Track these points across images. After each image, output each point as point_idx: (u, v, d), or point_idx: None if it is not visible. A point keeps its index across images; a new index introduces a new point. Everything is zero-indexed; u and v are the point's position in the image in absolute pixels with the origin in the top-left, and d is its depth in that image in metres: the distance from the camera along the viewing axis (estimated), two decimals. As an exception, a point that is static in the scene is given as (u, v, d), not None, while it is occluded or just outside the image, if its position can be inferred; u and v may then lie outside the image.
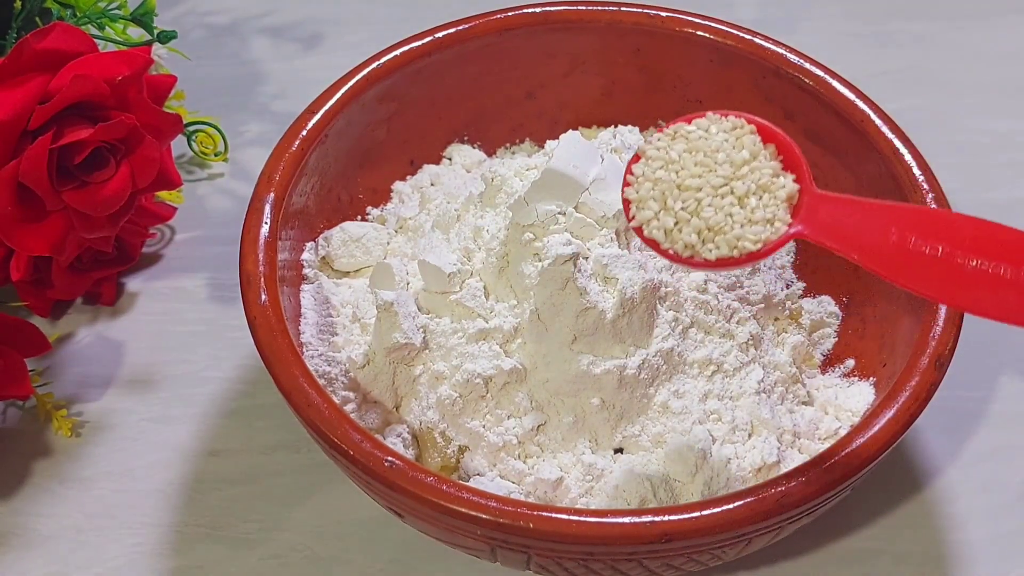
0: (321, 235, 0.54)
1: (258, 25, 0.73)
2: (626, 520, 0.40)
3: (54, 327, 0.58)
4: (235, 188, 0.65)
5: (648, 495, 0.46)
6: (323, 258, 0.53)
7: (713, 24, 0.55)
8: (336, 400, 0.45)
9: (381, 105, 0.55)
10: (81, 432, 0.55)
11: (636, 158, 0.40)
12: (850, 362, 0.52)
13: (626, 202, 0.40)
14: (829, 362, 0.53)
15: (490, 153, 0.59)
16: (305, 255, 0.52)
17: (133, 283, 0.60)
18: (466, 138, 0.59)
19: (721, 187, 0.39)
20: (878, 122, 0.52)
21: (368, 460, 0.42)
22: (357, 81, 0.53)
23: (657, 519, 0.40)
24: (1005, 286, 0.36)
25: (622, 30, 0.56)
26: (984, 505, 0.53)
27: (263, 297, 0.46)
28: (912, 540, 0.52)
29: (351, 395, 0.48)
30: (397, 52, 0.54)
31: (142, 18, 0.58)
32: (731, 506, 0.41)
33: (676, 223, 0.39)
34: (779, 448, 0.47)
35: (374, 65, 0.54)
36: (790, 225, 0.39)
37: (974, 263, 0.37)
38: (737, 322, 0.49)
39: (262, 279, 0.46)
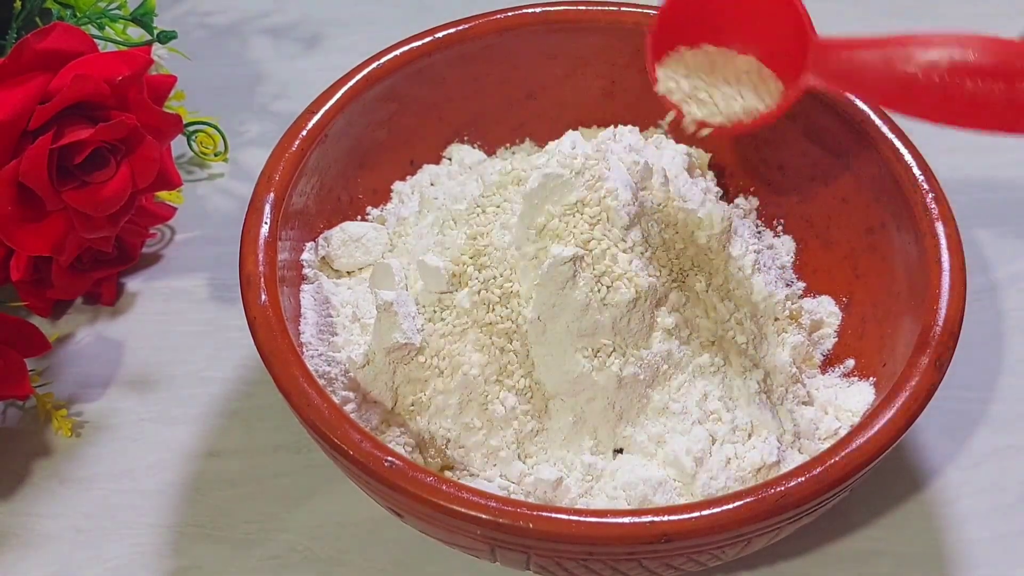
0: (321, 235, 0.54)
1: (258, 25, 0.73)
2: (626, 520, 0.40)
3: (54, 327, 0.58)
4: (235, 188, 0.65)
5: (648, 495, 0.46)
6: (323, 258, 0.53)
7: (713, 24, 0.55)
8: (336, 400, 0.45)
9: (381, 105, 0.55)
10: (81, 432, 0.55)
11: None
12: (850, 362, 0.52)
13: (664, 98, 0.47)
14: (829, 362, 0.53)
15: (490, 153, 0.59)
16: (305, 255, 0.52)
17: (133, 283, 0.60)
18: (466, 138, 0.59)
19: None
20: (878, 122, 0.52)
21: (368, 460, 0.42)
22: (357, 81, 0.53)
23: (657, 519, 0.40)
24: (1001, 103, 0.40)
25: (622, 30, 0.56)
26: (984, 505, 0.53)
27: (263, 297, 0.46)
28: (912, 540, 0.52)
29: (351, 395, 0.48)
30: (397, 52, 0.54)
31: (142, 18, 0.58)
32: (731, 506, 0.41)
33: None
34: (779, 448, 0.47)
35: (374, 65, 0.54)
36: (798, 81, 0.43)
37: (977, 84, 0.41)
38: (737, 322, 0.49)
39: (262, 279, 0.46)
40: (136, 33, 0.60)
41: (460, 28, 0.55)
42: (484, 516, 0.40)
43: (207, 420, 0.55)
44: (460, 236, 0.49)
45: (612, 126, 0.58)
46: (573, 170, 0.47)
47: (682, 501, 0.46)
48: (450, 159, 0.58)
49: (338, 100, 0.53)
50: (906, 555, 0.51)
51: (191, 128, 0.63)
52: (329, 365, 0.48)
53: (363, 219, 0.56)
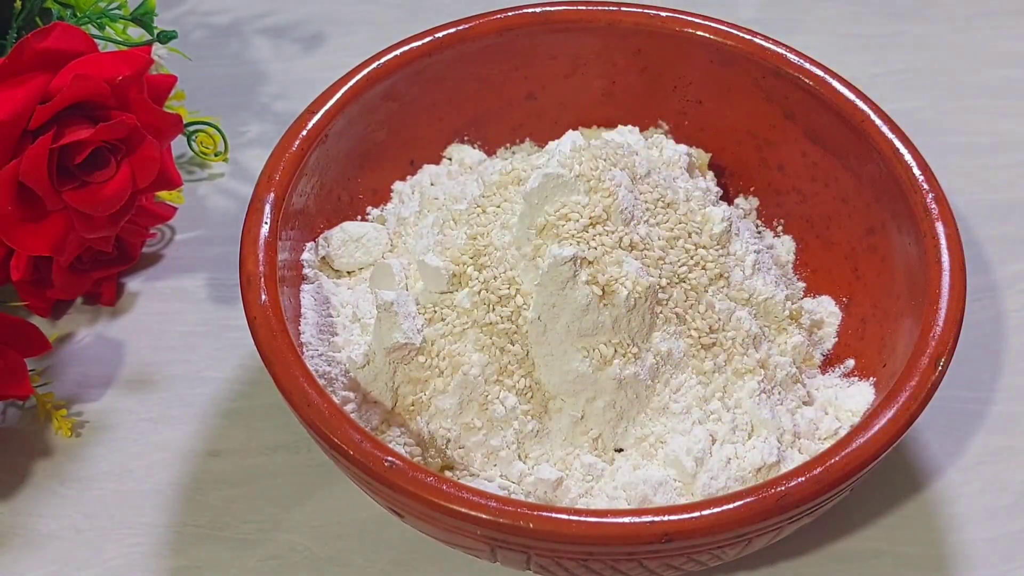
0: (321, 235, 0.54)
1: (259, 25, 0.73)
2: (626, 520, 0.40)
3: (54, 327, 0.58)
4: (235, 188, 0.65)
5: (648, 495, 0.46)
6: (323, 258, 0.53)
7: (713, 24, 0.55)
8: (336, 400, 0.45)
9: (381, 105, 0.55)
10: (81, 432, 0.55)
11: None
12: (850, 362, 0.52)
13: None
14: (829, 362, 0.53)
15: (490, 153, 0.59)
16: (305, 255, 0.52)
17: (133, 283, 0.60)
18: (466, 138, 0.59)
19: None
20: (878, 122, 0.52)
21: (368, 460, 0.42)
22: (357, 81, 0.53)
23: (657, 519, 0.40)
24: None
25: (622, 30, 0.56)
26: (984, 506, 0.53)
27: (263, 297, 0.46)
28: (912, 540, 0.52)
29: (351, 395, 0.48)
30: (397, 52, 0.54)
31: (142, 18, 0.58)
32: (731, 506, 0.41)
33: None
34: (779, 448, 0.47)
35: (374, 65, 0.54)
36: None
37: None
38: (737, 323, 0.49)
39: (262, 279, 0.46)
40: (136, 33, 0.60)
41: (460, 28, 0.55)
42: (484, 516, 0.40)
43: (207, 420, 0.55)
44: (460, 236, 0.49)
45: (613, 126, 0.58)
46: (573, 170, 0.47)
47: (682, 501, 0.46)
48: (450, 159, 0.58)
49: (338, 100, 0.53)
50: (906, 555, 0.51)
51: (191, 128, 0.63)
52: (329, 365, 0.48)
53: (363, 219, 0.56)
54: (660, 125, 0.58)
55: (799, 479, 0.41)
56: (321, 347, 0.49)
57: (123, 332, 0.58)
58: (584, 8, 0.56)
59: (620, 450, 0.48)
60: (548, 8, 0.56)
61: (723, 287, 0.49)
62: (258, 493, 0.53)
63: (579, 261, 0.46)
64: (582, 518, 0.40)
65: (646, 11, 0.56)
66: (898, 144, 0.51)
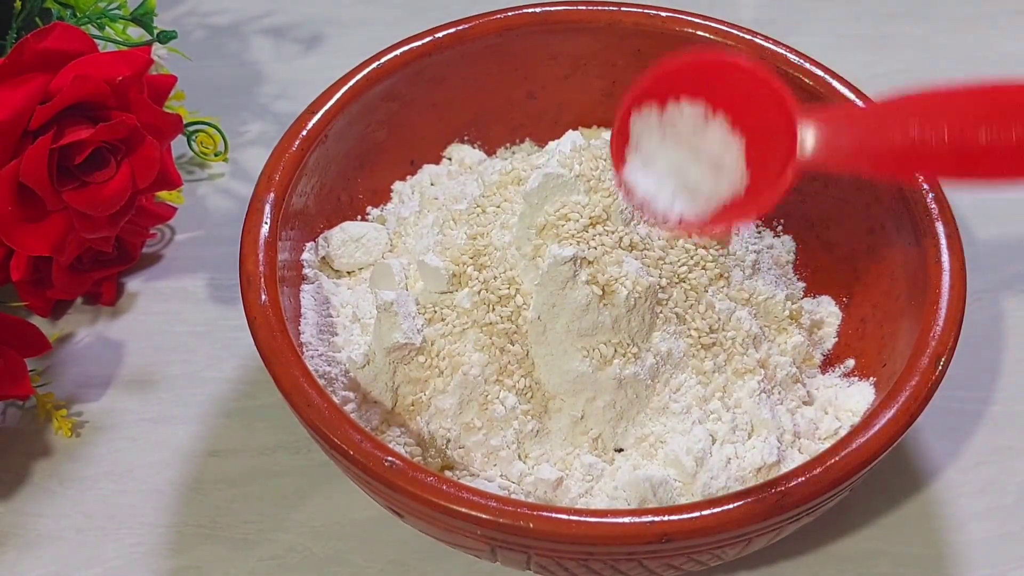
0: (321, 235, 0.54)
1: (258, 26, 0.73)
2: (626, 520, 0.40)
3: (54, 327, 0.58)
4: (235, 188, 0.65)
5: (648, 495, 0.46)
6: (323, 258, 0.53)
7: (713, 24, 0.55)
8: (336, 400, 0.45)
9: (381, 105, 0.55)
10: (81, 432, 0.55)
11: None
12: (850, 362, 0.52)
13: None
14: (829, 362, 0.53)
15: (490, 153, 0.59)
16: (305, 255, 0.52)
17: (133, 283, 0.60)
18: (466, 138, 0.59)
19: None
20: (878, 122, 0.52)
21: (368, 460, 0.42)
22: (357, 81, 0.53)
23: (657, 519, 0.40)
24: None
25: (622, 31, 0.56)
26: (984, 506, 0.53)
27: (263, 297, 0.46)
28: (912, 540, 0.52)
29: (351, 395, 0.48)
30: (397, 52, 0.54)
31: (142, 18, 0.58)
32: (731, 506, 0.41)
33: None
34: (779, 448, 0.47)
35: (374, 65, 0.54)
36: (789, 169, 0.39)
37: (983, 137, 0.37)
38: (737, 322, 0.49)
39: (262, 279, 0.46)
40: (136, 33, 0.60)
41: (460, 28, 0.55)
42: (484, 516, 0.40)
43: (207, 420, 0.55)
44: (460, 236, 0.49)
45: (612, 126, 0.58)
46: (573, 170, 0.47)
47: (682, 501, 0.46)
48: (450, 159, 0.58)
49: (338, 100, 0.53)
50: (906, 555, 0.51)
51: (191, 128, 0.63)
52: (329, 365, 0.48)
53: (363, 219, 0.56)
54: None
55: (799, 479, 0.41)
56: (321, 347, 0.49)
57: (123, 332, 0.58)
58: (584, 8, 0.56)
59: (620, 450, 0.48)
60: (548, 8, 0.56)
61: (723, 287, 0.49)
62: (258, 493, 0.53)
63: (579, 261, 0.46)
64: (582, 518, 0.40)
65: (646, 11, 0.56)
66: (898, 144, 0.51)
